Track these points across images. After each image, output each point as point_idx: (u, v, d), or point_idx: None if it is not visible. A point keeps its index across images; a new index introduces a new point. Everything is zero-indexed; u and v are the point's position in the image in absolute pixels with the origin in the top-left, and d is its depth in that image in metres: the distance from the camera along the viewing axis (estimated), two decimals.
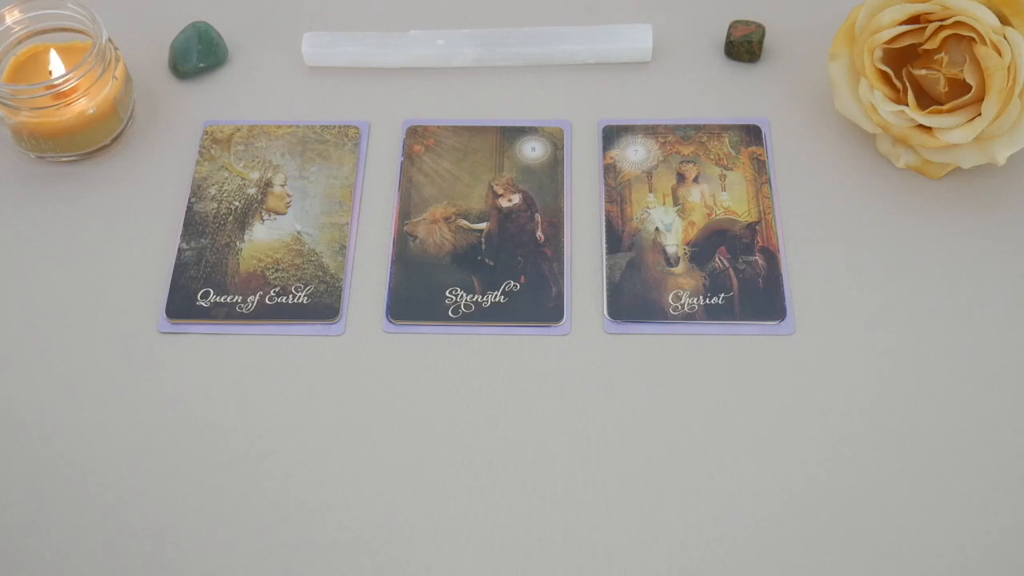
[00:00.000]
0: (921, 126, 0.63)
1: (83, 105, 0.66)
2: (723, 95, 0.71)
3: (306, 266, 0.64)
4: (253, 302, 0.63)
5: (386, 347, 0.61)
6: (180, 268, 0.64)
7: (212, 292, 0.63)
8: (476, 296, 0.63)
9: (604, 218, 0.65)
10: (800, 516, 0.55)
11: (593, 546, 0.55)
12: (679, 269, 0.63)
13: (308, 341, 0.62)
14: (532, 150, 0.68)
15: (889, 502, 0.56)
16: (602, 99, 0.71)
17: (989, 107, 0.60)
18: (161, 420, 0.59)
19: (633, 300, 0.62)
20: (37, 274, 0.64)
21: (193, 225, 0.66)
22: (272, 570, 0.55)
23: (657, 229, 0.65)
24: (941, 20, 0.61)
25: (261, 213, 0.66)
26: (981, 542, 0.54)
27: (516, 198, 0.66)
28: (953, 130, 0.62)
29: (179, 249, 0.65)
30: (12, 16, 0.68)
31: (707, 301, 0.62)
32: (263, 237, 0.65)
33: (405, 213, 0.66)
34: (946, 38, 0.62)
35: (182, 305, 0.63)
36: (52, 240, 0.66)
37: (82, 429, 0.59)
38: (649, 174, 0.67)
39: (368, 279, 0.64)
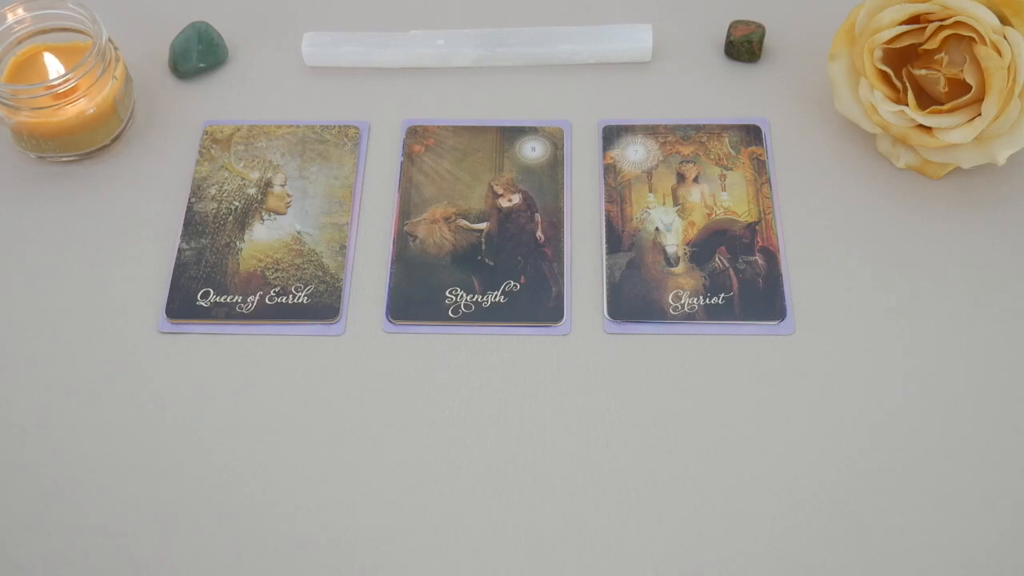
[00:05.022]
0: (921, 126, 0.63)
1: (83, 105, 0.66)
2: (723, 95, 0.71)
3: (306, 266, 0.64)
4: (253, 302, 0.63)
5: (386, 347, 0.61)
6: (180, 268, 0.64)
7: (212, 292, 0.63)
8: (476, 296, 0.63)
9: (604, 218, 0.65)
10: (800, 516, 0.55)
11: (593, 546, 0.55)
12: (679, 269, 0.63)
13: (308, 341, 0.62)
14: (532, 150, 0.68)
15: (890, 502, 0.56)
16: (602, 99, 0.71)
17: (989, 107, 0.60)
18: (161, 420, 0.59)
19: (633, 300, 0.62)
20: (37, 274, 0.64)
21: (193, 225, 0.66)
22: (272, 570, 0.55)
23: (657, 229, 0.65)
24: (941, 20, 0.61)
25: (261, 213, 0.66)
26: (982, 541, 0.54)
27: (516, 198, 0.66)
28: (953, 130, 0.62)
29: (179, 249, 0.65)
30: (12, 16, 0.68)
31: (707, 301, 0.62)
32: (263, 237, 0.65)
33: (405, 213, 0.66)
34: (946, 38, 0.62)
35: (182, 305, 0.63)
36: (52, 240, 0.66)
37: (81, 429, 0.59)
38: (649, 174, 0.67)
39: (368, 279, 0.64)
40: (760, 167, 0.67)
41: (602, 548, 0.55)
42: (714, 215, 0.65)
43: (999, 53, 0.59)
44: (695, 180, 0.67)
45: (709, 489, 0.56)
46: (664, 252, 0.64)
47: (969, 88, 0.62)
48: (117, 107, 0.68)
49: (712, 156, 0.67)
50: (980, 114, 0.61)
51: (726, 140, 0.68)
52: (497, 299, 0.63)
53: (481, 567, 0.54)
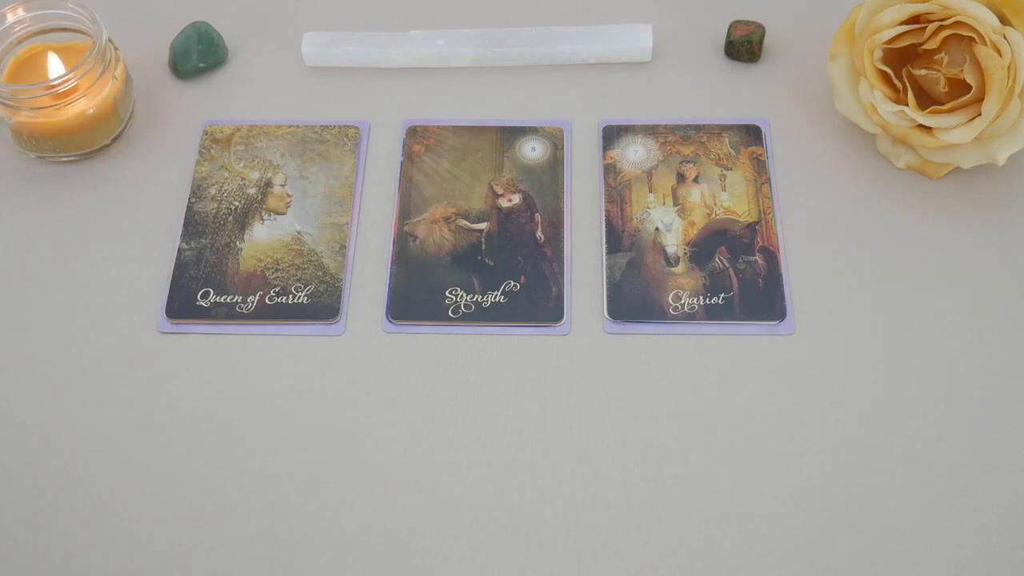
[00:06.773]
0: (921, 126, 0.63)
1: (83, 105, 0.66)
2: (723, 95, 0.71)
3: (306, 266, 0.64)
4: (253, 302, 0.63)
5: (386, 347, 0.61)
6: (180, 268, 0.64)
7: (212, 292, 0.63)
8: (476, 296, 0.63)
9: (604, 218, 0.65)
10: (800, 516, 0.55)
11: (593, 546, 0.55)
12: (679, 269, 0.63)
13: (308, 341, 0.62)
14: (532, 150, 0.68)
15: (889, 501, 0.56)
16: (602, 99, 0.71)
17: (989, 107, 0.60)
18: (161, 420, 0.59)
19: (633, 300, 0.62)
20: (37, 274, 0.64)
21: (193, 225, 0.66)
22: (272, 569, 0.55)
23: (657, 229, 0.65)
24: (941, 20, 0.61)
25: (261, 213, 0.66)
26: (981, 541, 0.54)
27: (516, 198, 0.66)
28: (953, 130, 0.62)
29: (179, 249, 0.65)
30: (12, 16, 0.68)
31: (707, 301, 0.62)
32: (263, 237, 0.65)
33: (405, 213, 0.66)
34: (946, 38, 0.62)
35: (182, 305, 0.63)
36: (52, 240, 0.66)
37: (82, 429, 0.59)
38: (649, 174, 0.67)
39: (368, 279, 0.64)
40: (760, 167, 0.67)
41: (602, 548, 0.55)
42: (714, 215, 0.65)
43: (999, 53, 0.59)
44: (695, 180, 0.67)
45: (709, 489, 0.56)
46: (664, 252, 0.64)
47: (969, 88, 0.62)
48: (117, 107, 0.68)
49: (712, 156, 0.68)
50: (980, 114, 0.61)
51: (726, 140, 0.68)
52: (497, 299, 0.63)
53: (480, 567, 0.54)
